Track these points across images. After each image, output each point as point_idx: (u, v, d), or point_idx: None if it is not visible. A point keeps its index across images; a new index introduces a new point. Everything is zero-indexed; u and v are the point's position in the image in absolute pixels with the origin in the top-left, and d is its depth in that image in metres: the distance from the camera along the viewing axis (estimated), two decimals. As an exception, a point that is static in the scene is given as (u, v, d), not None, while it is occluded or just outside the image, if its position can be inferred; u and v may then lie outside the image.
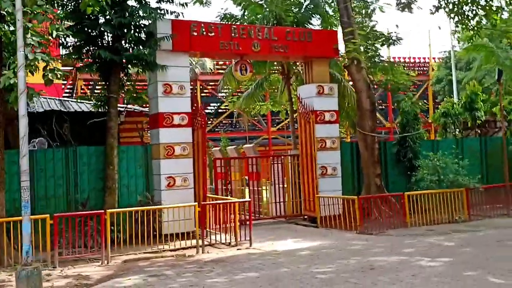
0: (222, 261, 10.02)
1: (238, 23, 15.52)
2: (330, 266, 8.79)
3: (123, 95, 14.38)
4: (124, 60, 13.22)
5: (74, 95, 30.90)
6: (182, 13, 13.66)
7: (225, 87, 20.91)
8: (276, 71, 19.55)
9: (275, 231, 14.07)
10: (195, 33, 14.03)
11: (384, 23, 52.74)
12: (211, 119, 37.48)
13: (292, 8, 18.28)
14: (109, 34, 13.08)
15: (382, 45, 18.68)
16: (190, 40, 13.97)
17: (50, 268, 10.04)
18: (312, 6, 18.59)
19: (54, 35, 9.14)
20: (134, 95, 14.27)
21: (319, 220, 14.40)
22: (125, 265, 10.23)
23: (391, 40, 18.38)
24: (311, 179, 15.35)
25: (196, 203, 11.83)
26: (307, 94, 15.84)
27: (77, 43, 13.22)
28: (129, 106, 15.73)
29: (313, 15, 18.82)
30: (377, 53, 18.61)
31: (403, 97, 17.10)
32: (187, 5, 14.00)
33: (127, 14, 12.87)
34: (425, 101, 39.67)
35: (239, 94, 23.92)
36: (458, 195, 14.26)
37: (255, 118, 34.86)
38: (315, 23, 19.52)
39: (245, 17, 18.37)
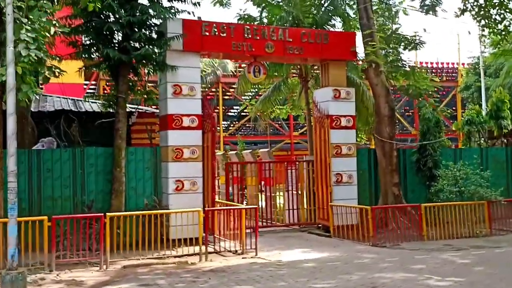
0: (221, 271, 9.56)
1: (251, 23, 15.09)
2: (330, 281, 8.24)
3: (133, 95, 14.02)
4: (133, 60, 12.94)
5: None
6: (193, 12, 13.28)
7: (244, 90, 20.45)
8: (294, 74, 19.05)
9: (286, 239, 13.58)
10: (206, 33, 13.65)
11: (411, 27, 51.76)
12: (233, 122, 37.13)
13: (312, 10, 17.78)
14: (118, 33, 12.78)
15: (405, 48, 18.07)
16: (201, 40, 13.60)
17: (46, 272, 9.73)
18: (332, 7, 18.03)
19: (52, 32, 8.82)
20: (145, 96, 13.94)
21: (332, 230, 13.86)
22: (123, 271, 9.87)
23: (413, 44, 17.78)
24: (325, 186, 14.83)
25: (200, 209, 11.41)
26: (322, 98, 15.32)
27: (86, 42, 12.98)
28: (140, 107, 15.43)
29: (333, 17, 18.29)
30: (399, 57, 18.04)
31: (425, 103, 16.40)
32: (199, 4, 13.62)
33: (137, 13, 12.56)
34: (453, 108, 38.70)
35: (258, 97, 23.55)
36: (479, 208, 13.55)
37: (278, 123, 34.38)
38: (337, 25, 19.04)
39: (264, 19, 17.97)
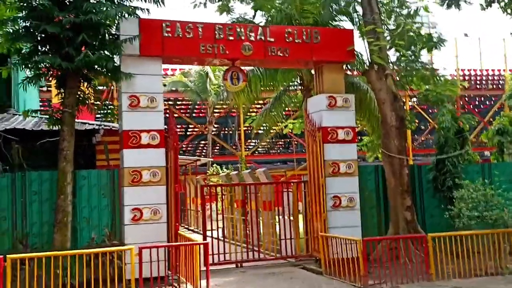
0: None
1: (225, 23, 12.95)
2: None
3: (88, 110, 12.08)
4: (85, 68, 11.07)
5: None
6: (147, 9, 11.18)
7: (238, 103, 18.27)
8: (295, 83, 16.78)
9: (267, 278, 11.23)
10: (169, 34, 11.61)
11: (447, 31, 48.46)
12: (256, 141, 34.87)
13: (311, 9, 15.45)
14: (61, 36, 10.91)
15: (421, 48, 15.50)
16: (162, 43, 11.57)
17: None
18: (334, 5, 15.64)
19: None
20: (100, 110, 12.04)
21: (324, 265, 11.40)
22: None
23: (431, 43, 15.18)
24: (319, 212, 12.43)
25: (133, 247, 9.26)
26: (315, 107, 13.00)
27: (27, 50, 11.20)
28: (106, 123, 13.52)
29: (338, 15, 15.92)
30: (414, 58, 15.45)
31: (443, 112, 13.77)
32: (163, 3, 11.68)
33: (82, 13, 10.69)
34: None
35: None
36: (505, 238, 10.84)
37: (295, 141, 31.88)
38: (346, 26, 16.63)
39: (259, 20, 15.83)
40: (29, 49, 11.20)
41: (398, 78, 14.67)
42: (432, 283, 9.85)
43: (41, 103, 25.80)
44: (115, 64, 11.21)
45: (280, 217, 14.00)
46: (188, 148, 41.05)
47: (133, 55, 11.35)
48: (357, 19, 16.07)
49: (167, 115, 18.28)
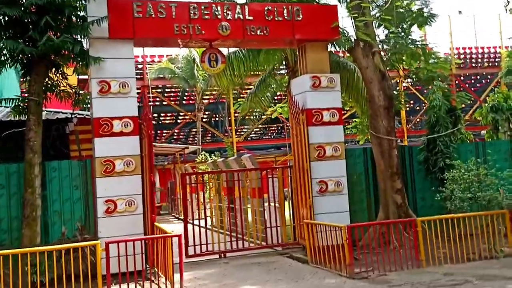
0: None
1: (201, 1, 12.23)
2: None
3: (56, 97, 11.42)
4: (52, 54, 10.42)
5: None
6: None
7: (219, 85, 17.54)
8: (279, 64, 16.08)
9: (250, 268, 10.70)
10: (139, 15, 10.92)
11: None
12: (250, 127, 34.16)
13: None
14: (24, 20, 10.24)
15: (412, 25, 14.81)
16: (133, 24, 10.88)
17: None
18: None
19: None
20: (78, 97, 11.37)
21: (309, 254, 10.83)
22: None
23: (420, 19, 14.49)
24: (305, 198, 11.86)
25: (98, 242, 8.65)
26: (299, 88, 12.38)
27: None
28: (81, 112, 12.87)
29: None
30: (406, 35, 14.76)
31: (433, 90, 13.14)
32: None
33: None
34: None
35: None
36: (499, 220, 10.28)
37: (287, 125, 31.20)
38: (333, 2, 15.89)
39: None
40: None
41: (387, 56, 14.05)
42: (422, 270, 9.29)
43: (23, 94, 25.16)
44: (83, 48, 10.53)
45: (266, 204, 13.45)
46: (180, 136, 40.41)
47: (102, 38, 10.68)
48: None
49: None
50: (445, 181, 11.71)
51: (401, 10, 14.16)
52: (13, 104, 10.86)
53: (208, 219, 15.07)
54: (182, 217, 23.05)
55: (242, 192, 14.67)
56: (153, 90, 30.77)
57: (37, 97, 10.41)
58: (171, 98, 33.90)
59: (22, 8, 10.06)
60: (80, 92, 11.69)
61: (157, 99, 33.02)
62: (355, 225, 9.82)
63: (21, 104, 10.77)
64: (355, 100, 15.83)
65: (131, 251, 9.10)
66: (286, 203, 13.32)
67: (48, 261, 8.78)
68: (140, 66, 29.93)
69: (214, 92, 31.03)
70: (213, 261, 11.84)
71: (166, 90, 32.69)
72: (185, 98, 33.76)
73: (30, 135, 10.29)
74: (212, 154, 24.99)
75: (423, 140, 13.18)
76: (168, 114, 37.43)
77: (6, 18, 10.29)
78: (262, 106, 17.60)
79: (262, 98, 17.10)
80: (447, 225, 10.00)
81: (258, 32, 11.66)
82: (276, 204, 13.08)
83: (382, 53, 13.32)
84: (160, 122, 38.44)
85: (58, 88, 11.24)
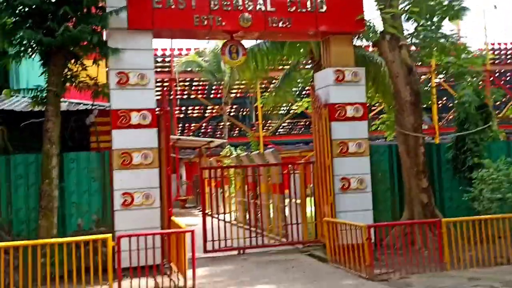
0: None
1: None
2: None
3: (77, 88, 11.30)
4: (70, 44, 10.31)
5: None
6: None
7: (242, 79, 17.31)
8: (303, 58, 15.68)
9: (267, 266, 10.42)
10: (159, 5, 10.72)
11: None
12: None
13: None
14: (44, 10, 10.14)
15: (442, 18, 14.29)
16: (152, 15, 10.69)
17: None
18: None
19: None
20: (90, 87, 11.25)
21: (329, 253, 10.51)
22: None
23: (452, 12, 13.95)
24: (327, 195, 11.53)
25: (109, 235, 8.48)
26: (322, 82, 12.05)
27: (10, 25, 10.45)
28: (102, 103, 12.75)
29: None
30: (437, 28, 14.23)
31: (463, 85, 12.63)
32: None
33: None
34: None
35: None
36: (529, 222, 9.78)
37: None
38: None
39: None
40: (12, 25, 10.44)
41: (417, 50, 13.61)
42: (446, 273, 8.89)
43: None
44: (101, 39, 10.39)
45: (288, 200, 13.16)
46: (208, 130, 40.33)
47: (121, 29, 10.53)
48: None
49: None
50: (473, 181, 11.25)
51: (431, 3, 13.71)
52: (32, 95, 10.80)
53: (232, 214, 14.91)
54: (207, 211, 23.08)
55: (264, 188, 14.48)
56: (181, 83, 30.67)
57: (55, 88, 10.31)
58: (199, 92, 33.80)
59: (42, -2, 9.96)
60: (101, 83, 11.52)
61: (185, 92, 32.94)
62: (375, 224, 9.47)
63: (40, 95, 10.69)
64: (382, 95, 15.37)
65: (149, 244, 8.96)
66: (309, 199, 13.03)
67: (61, 254, 8.67)
68: (167, 59, 29.91)
69: (242, 86, 30.80)
70: (231, 257, 11.61)
71: (194, 83, 32.59)
72: (212, 91, 33.61)
73: (48, 125, 10.20)
74: (238, 148, 24.75)
75: (452, 137, 12.68)
76: (196, 108, 37.36)
77: (26, 9, 10.25)
78: (287, 101, 17.22)
79: (287, 92, 16.75)
80: (474, 227, 9.57)
81: (280, 24, 11.35)
82: (298, 201, 12.77)
83: (410, 47, 12.86)
84: (187, 116, 38.42)
85: (78, 79, 11.13)
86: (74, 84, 11.10)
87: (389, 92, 14.76)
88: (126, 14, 10.44)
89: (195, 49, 29.42)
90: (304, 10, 11.51)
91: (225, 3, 11.06)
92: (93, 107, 12.55)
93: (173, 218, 10.22)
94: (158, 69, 30.37)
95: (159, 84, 32.02)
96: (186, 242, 8.49)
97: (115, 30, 10.52)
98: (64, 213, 10.56)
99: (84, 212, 10.69)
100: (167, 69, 30.02)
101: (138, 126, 10.53)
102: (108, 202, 10.78)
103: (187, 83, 32.12)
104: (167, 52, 29.76)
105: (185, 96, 33.71)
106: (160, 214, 10.61)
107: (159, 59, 30.10)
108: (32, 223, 10.38)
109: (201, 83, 32.04)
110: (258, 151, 17.44)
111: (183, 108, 36.24)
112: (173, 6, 10.79)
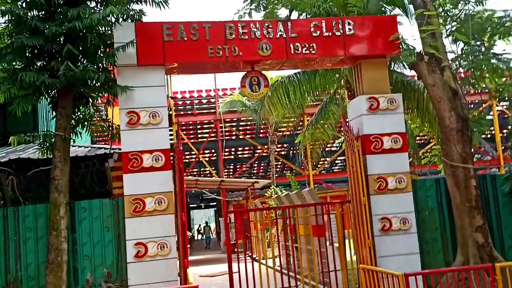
0: None
1: (237, 20, 10.99)
2: None
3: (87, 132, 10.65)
4: (77, 85, 9.66)
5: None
6: (141, 10, 9.74)
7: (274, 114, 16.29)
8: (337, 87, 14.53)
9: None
10: (170, 38, 9.98)
11: None
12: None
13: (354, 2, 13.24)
14: (48, 50, 9.58)
15: (492, 36, 12.90)
16: (163, 49, 9.94)
17: None
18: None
19: None
20: (112, 131, 10.56)
21: (367, 305, 9.16)
22: None
23: (502, 29, 12.55)
24: (363, 237, 10.22)
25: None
26: (354, 112, 10.92)
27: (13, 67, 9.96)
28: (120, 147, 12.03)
29: (386, 5, 13.57)
30: (487, 48, 12.85)
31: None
32: (166, 4, 10.14)
33: (68, 21, 9.33)
34: None
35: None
36: None
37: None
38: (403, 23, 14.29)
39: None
40: (19, 67, 9.96)
41: (466, 74, 12.30)
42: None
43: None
44: (109, 77, 9.69)
45: (327, 244, 11.92)
46: (260, 171, 39.39)
47: (131, 65, 9.82)
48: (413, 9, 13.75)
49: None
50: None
51: (478, 21, 12.40)
52: (39, 141, 10.19)
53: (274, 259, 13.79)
54: (255, 256, 21.92)
55: (303, 230, 13.31)
56: (227, 124, 30.08)
57: (63, 132, 9.65)
58: (247, 132, 33.10)
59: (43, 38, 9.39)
60: (116, 125, 10.81)
61: (233, 133, 32.30)
62: (416, 273, 8.07)
63: (48, 140, 10.06)
64: (430, 124, 13.99)
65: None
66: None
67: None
68: (212, 100, 29.48)
69: (290, 124, 29.88)
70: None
71: (241, 123, 31.94)
72: (261, 131, 32.85)
73: (55, 173, 9.51)
74: (283, 189, 23.62)
75: (509, 167, 11.15)
76: (246, 148, 36.60)
77: (31, 50, 9.75)
78: (326, 136, 16.05)
79: (326, 126, 15.58)
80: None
81: (304, 50, 10.36)
82: (335, 244, 11.49)
83: (454, 69, 11.54)
84: (238, 157, 37.72)
85: (90, 122, 10.46)
86: (85, 128, 10.43)
87: (434, 120, 13.46)
88: (135, 50, 9.74)
89: (238, 88, 28.84)
90: (329, 34, 10.49)
91: (241, 32, 10.20)
92: (112, 151, 11.85)
93: (188, 270, 9.18)
94: (205, 111, 30.05)
95: (206, 126, 31.62)
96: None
97: (124, 67, 9.83)
98: (76, 266, 9.79)
99: (97, 265, 9.85)
100: (212, 110, 29.58)
101: (151, 169, 9.67)
102: (122, 254, 9.91)
103: (234, 124, 31.51)
104: (212, 93, 29.36)
105: (233, 137, 33.06)
106: (177, 265, 9.62)
107: (204, 100, 29.72)
108: (42, 279, 9.61)
109: (248, 123, 31.37)
110: (297, 191, 16.26)
111: (233, 149, 35.56)
112: (185, 38, 10.00)
